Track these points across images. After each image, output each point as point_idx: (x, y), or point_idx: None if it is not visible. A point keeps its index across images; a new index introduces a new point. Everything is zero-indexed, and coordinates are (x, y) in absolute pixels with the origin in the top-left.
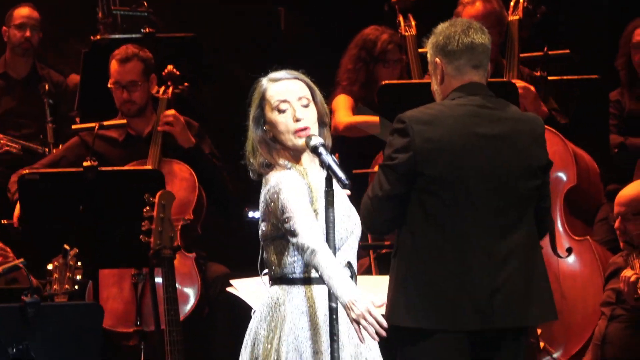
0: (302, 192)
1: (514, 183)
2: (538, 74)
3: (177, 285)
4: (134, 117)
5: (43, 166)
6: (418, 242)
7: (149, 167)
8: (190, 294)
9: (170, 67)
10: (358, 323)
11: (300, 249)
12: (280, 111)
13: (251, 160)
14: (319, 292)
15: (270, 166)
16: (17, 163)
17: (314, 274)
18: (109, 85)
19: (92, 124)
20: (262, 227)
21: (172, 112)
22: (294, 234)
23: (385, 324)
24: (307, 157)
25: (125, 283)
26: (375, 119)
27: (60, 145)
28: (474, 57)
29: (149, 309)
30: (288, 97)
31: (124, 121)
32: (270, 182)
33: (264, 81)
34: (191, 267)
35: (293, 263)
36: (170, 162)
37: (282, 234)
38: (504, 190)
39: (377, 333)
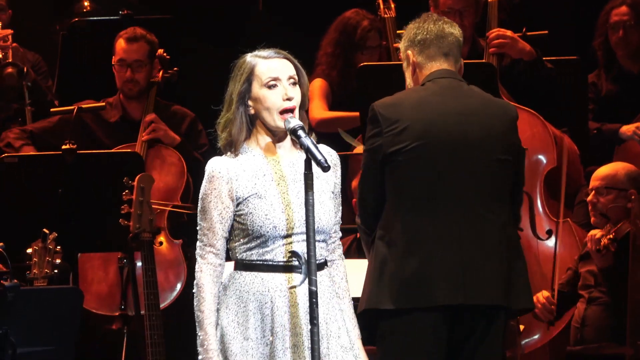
0: (217, 200)
1: (486, 156)
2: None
3: (163, 272)
4: (133, 98)
5: (36, 129)
6: (393, 225)
7: (127, 150)
8: (176, 281)
9: (160, 51)
10: None
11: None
12: (271, 87)
13: (219, 134)
14: (255, 278)
15: (231, 147)
16: None
17: (252, 258)
18: (112, 62)
19: (71, 107)
20: None
21: (152, 116)
22: (197, 247)
23: None
24: (287, 142)
25: (111, 266)
26: (348, 114)
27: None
28: (444, 45)
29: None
30: (280, 74)
31: (103, 104)
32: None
33: (252, 58)
34: (178, 253)
35: (234, 248)
36: (159, 147)
37: None
38: (475, 163)
39: None
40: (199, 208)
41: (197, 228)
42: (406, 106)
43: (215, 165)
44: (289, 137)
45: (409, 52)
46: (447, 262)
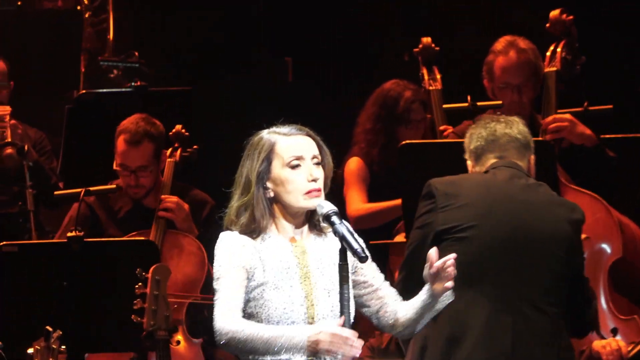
0: (237, 261)
1: (546, 251)
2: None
3: None
4: (141, 199)
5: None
6: None
7: (140, 237)
8: None
9: (178, 127)
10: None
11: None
12: (294, 167)
13: (234, 219)
14: None
15: (253, 234)
16: None
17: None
18: (114, 167)
19: (77, 190)
20: None
21: (174, 198)
22: (218, 314)
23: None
24: (305, 226)
25: None
26: (389, 204)
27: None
28: (496, 148)
29: None
30: (304, 153)
31: (114, 186)
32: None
33: (270, 134)
34: (197, 353)
35: None
36: (177, 234)
37: None
38: (534, 255)
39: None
40: (215, 276)
41: (215, 299)
42: (467, 185)
43: (234, 237)
44: (306, 221)
45: (468, 162)
46: (495, 354)
